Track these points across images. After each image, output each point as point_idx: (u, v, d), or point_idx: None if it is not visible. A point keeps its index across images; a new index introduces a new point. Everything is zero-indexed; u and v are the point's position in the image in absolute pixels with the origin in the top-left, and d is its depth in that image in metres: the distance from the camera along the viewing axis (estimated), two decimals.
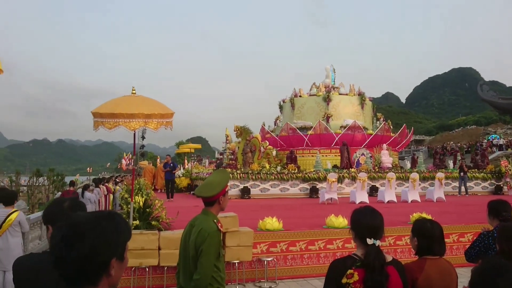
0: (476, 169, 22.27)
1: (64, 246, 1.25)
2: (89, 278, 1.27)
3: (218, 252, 2.97)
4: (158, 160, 31.92)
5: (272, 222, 7.79)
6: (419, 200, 15.71)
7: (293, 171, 18.88)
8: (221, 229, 3.03)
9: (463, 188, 19.65)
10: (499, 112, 52.09)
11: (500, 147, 40.76)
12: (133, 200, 7.40)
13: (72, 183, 13.52)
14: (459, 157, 25.80)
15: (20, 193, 25.32)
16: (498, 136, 50.20)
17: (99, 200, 14.09)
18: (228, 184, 3.24)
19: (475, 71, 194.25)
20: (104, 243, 1.27)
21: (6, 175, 31.08)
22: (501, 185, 21.25)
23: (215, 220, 3.02)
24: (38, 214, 10.25)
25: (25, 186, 29.52)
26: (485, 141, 47.72)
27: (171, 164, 17.43)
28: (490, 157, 28.40)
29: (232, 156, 21.80)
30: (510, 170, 21.49)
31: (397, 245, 8.21)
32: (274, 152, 21.53)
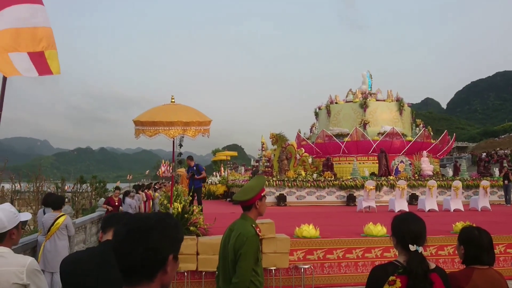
0: None
1: (131, 240, 1.31)
2: (148, 273, 1.33)
3: (256, 256, 2.99)
4: None
5: (308, 229, 7.73)
6: (462, 209, 15.08)
7: (329, 179, 18.67)
8: (259, 233, 3.06)
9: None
10: None
11: None
12: (172, 206, 7.58)
13: (118, 188, 14.23)
14: (505, 164, 24.59)
15: (66, 199, 26.48)
16: None
17: (139, 206, 14.49)
18: (265, 189, 3.28)
19: None
20: (167, 238, 1.35)
21: (52, 182, 32.58)
22: None
23: (253, 225, 3.05)
24: (83, 218, 10.71)
25: (69, 192, 30.84)
26: None
27: (194, 168, 12.60)
28: None
29: (268, 164, 21.84)
30: None
31: (439, 255, 7.91)
32: (310, 160, 21.39)
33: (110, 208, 11.63)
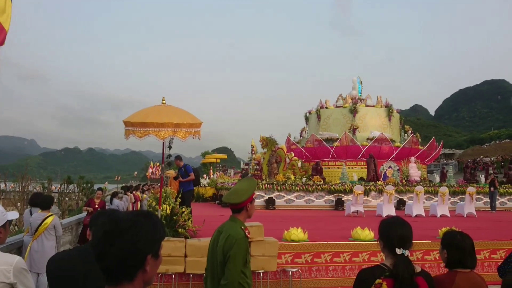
0: (510, 185, 21.52)
1: (106, 241, 1.33)
2: (127, 273, 1.34)
3: (245, 258, 3.01)
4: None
5: (297, 233, 7.76)
6: (449, 215, 15.27)
7: (318, 183, 18.76)
8: (248, 235, 3.08)
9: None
10: None
11: None
12: (161, 208, 7.55)
13: (101, 189, 13.65)
14: (491, 172, 24.99)
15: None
16: None
17: (127, 207, 14.39)
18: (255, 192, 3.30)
19: (508, 84, 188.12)
20: (142, 239, 1.34)
21: (38, 182, 32.18)
22: None
23: (242, 227, 3.08)
24: (70, 219, 10.59)
25: (56, 192, 30.47)
26: None
27: (182, 169, 11.02)
28: None
29: (258, 167, 21.87)
30: None
31: (425, 260, 8.01)
32: (299, 163, 21.47)
33: (90, 209, 10.81)
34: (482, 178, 23.65)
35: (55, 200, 26.17)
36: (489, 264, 8.17)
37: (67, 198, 29.21)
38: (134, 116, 6.95)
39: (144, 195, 19.21)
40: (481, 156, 49.72)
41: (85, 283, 2.22)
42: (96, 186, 34.91)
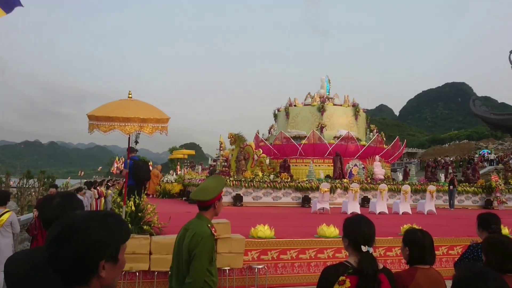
0: (467, 183, 22.49)
1: (56, 245, 1.28)
2: (80, 278, 1.29)
3: (211, 256, 2.99)
4: (151, 165, 31.81)
5: (264, 230, 7.79)
6: (410, 212, 15.79)
7: (286, 180, 18.91)
8: (214, 233, 3.06)
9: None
10: (491, 127, 52.68)
11: (491, 162, 41.20)
12: (126, 204, 7.39)
13: (55, 186, 12.58)
14: (450, 171, 26.04)
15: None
16: (489, 151, 50.73)
17: (90, 204, 13.99)
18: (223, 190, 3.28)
19: (468, 86, 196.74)
20: (90, 245, 1.27)
21: None
22: (491, 200, 21.46)
23: (209, 225, 3.05)
24: (28, 215, 10.18)
25: (14, 187, 29.21)
26: (477, 155, 48.20)
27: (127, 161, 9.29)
28: (481, 172, 28.71)
29: (226, 163, 21.81)
30: (500, 185, 21.72)
31: (387, 256, 8.25)
32: (267, 161, 21.57)
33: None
34: (442, 177, 24.60)
35: (13, 195, 25.11)
36: (446, 259, 8.51)
37: (26, 194, 28.06)
38: (99, 109, 6.75)
39: (109, 191, 18.76)
40: (442, 156, 51.71)
41: (44, 286, 2.13)
42: (58, 181, 33.78)
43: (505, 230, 8.43)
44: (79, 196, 12.42)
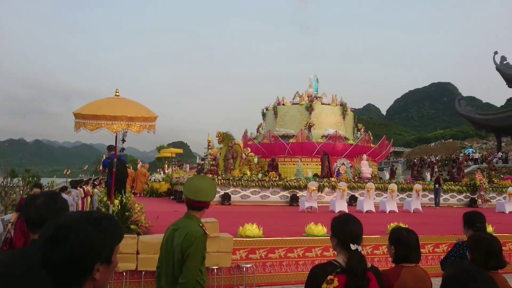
0: (452, 182, 22.82)
1: (48, 247, 1.25)
2: (73, 280, 1.27)
3: (204, 256, 2.98)
4: (139, 163, 31.57)
5: (252, 229, 7.79)
6: (397, 211, 15.96)
7: (274, 179, 18.95)
8: (207, 232, 3.04)
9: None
10: (475, 127, 53.62)
11: (475, 161, 41.84)
12: (112, 203, 7.31)
13: (39, 185, 12.00)
14: (436, 170, 26.39)
15: None
16: (474, 150, 51.59)
17: (76, 203, 13.82)
18: None
19: (453, 86, 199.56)
20: (86, 248, 1.26)
21: None
22: (476, 198, 21.81)
23: (200, 224, 3.03)
24: (12, 215, 9.98)
25: None
26: (462, 154, 48.98)
27: (108, 159, 10.13)
28: (465, 171, 29.14)
29: (214, 162, 21.72)
30: (484, 183, 22.09)
31: (374, 254, 8.32)
32: (255, 159, 21.58)
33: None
34: (428, 175, 24.91)
35: None
36: (432, 257, 8.63)
37: (11, 192, 27.58)
38: (85, 108, 6.67)
39: (95, 190, 18.55)
40: (428, 155, 52.40)
41: (44, 286, 2.10)
42: (43, 180, 33.27)
43: (489, 228, 8.58)
44: (64, 195, 12.28)
